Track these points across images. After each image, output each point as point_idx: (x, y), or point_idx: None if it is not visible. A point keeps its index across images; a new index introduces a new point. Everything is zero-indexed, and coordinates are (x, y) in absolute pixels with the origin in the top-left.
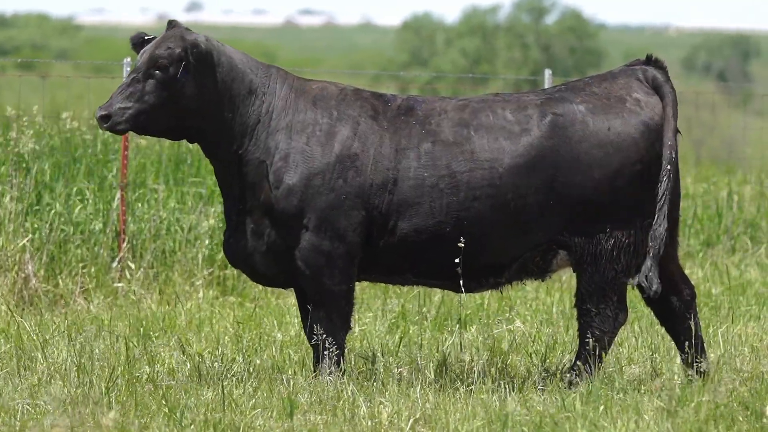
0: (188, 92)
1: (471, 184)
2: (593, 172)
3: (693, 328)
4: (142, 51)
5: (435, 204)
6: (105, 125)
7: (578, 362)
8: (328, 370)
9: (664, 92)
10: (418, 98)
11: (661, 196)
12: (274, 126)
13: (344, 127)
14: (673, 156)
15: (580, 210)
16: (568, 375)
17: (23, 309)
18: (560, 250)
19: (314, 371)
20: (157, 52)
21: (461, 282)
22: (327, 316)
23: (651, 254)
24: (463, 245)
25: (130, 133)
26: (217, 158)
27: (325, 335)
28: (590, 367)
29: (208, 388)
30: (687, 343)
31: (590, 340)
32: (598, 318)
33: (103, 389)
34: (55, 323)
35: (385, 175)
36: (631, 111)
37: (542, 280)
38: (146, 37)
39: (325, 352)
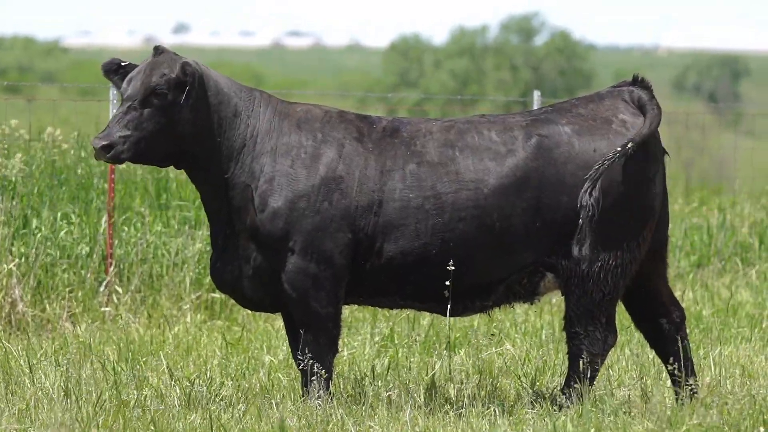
0: (185, 117)
1: (456, 205)
2: (578, 194)
3: (682, 350)
4: (129, 77)
5: (420, 225)
6: (108, 155)
7: (568, 385)
8: (317, 394)
9: (647, 109)
10: (403, 120)
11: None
12: (258, 149)
13: (329, 150)
14: (628, 149)
15: (566, 231)
16: (559, 398)
17: (10, 334)
18: (547, 272)
19: (303, 395)
20: (153, 79)
21: (448, 305)
22: (314, 340)
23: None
24: (452, 268)
25: None
26: (205, 183)
27: (312, 359)
28: (580, 389)
29: (197, 412)
30: (677, 365)
31: (580, 362)
32: (587, 340)
33: (91, 413)
34: (42, 348)
35: (371, 197)
36: (617, 132)
37: (531, 303)
38: (122, 63)
39: (313, 376)
